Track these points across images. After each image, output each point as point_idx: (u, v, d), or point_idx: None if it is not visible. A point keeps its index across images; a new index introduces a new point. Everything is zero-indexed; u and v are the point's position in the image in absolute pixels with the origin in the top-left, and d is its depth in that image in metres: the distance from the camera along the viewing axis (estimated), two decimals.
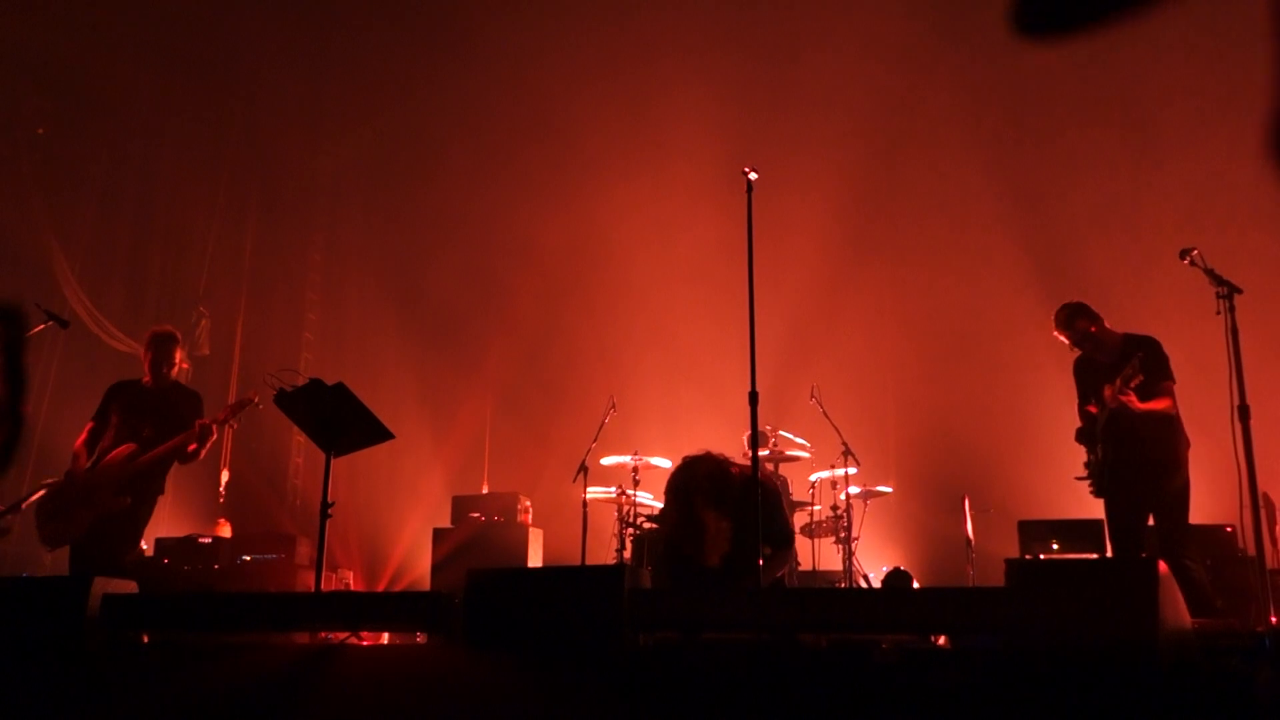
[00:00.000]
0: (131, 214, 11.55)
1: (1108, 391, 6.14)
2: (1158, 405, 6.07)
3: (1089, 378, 6.47)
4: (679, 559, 5.53)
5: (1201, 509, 6.32)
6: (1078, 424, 6.56)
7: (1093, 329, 6.34)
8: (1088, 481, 6.42)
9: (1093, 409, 6.39)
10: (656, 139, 10.96)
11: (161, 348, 6.67)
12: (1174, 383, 6.16)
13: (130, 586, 4.59)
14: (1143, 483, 6.15)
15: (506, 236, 12.05)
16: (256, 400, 6.59)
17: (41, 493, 6.45)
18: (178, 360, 6.78)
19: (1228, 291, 5.69)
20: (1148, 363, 6.05)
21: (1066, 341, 6.45)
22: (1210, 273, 5.79)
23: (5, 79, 10.10)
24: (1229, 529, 7.30)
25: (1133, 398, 6.03)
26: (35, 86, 10.51)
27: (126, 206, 11.51)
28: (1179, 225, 8.93)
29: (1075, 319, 6.36)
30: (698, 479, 5.49)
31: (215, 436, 6.51)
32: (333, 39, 11.86)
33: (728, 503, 5.39)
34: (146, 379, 6.64)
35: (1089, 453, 6.40)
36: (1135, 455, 6.15)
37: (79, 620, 4.23)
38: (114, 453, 6.34)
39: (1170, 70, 9.82)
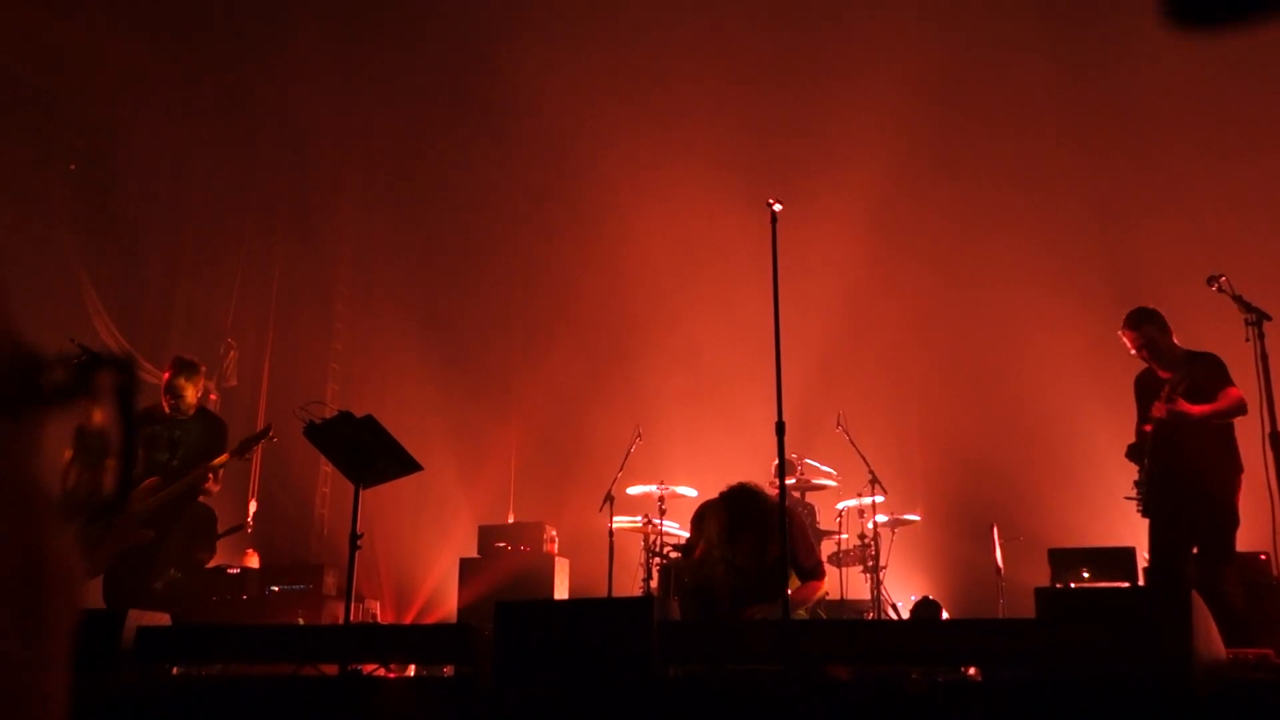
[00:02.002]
0: (160, 247, 11.67)
1: (1156, 405, 6.09)
2: (1216, 406, 5.99)
3: (1147, 392, 6.39)
4: (698, 586, 5.58)
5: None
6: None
7: (1157, 337, 6.26)
8: (1136, 501, 6.33)
9: (1148, 427, 6.32)
10: (682, 167, 11.01)
11: (178, 378, 6.68)
12: (1236, 389, 6.03)
13: (163, 619, 4.63)
14: (1187, 502, 6.06)
15: (531, 268, 12.11)
16: (273, 437, 6.68)
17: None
18: (196, 391, 6.77)
19: (1257, 318, 5.65)
20: (1202, 372, 6.02)
21: (1128, 344, 6.36)
22: (1238, 299, 5.76)
23: (37, 116, 10.27)
24: (1262, 556, 7.20)
25: (1181, 403, 5.98)
26: (66, 123, 10.67)
27: (155, 239, 11.63)
28: (1206, 250, 8.87)
29: (1144, 322, 6.27)
30: (715, 507, 5.62)
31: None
32: (363, 74, 12.00)
33: (748, 529, 5.46)
34: (165, 407, 6.68)
35: (1139, 470, 6.32)
36: (1182, 472, 6.07)
37: (114, 652, 4.27)
38: (139, 487, 6.40)
39: (1196, 92, 9.80)
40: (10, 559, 0.89)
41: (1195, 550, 6.13)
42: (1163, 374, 6.28)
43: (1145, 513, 6.26)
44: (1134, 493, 6.33)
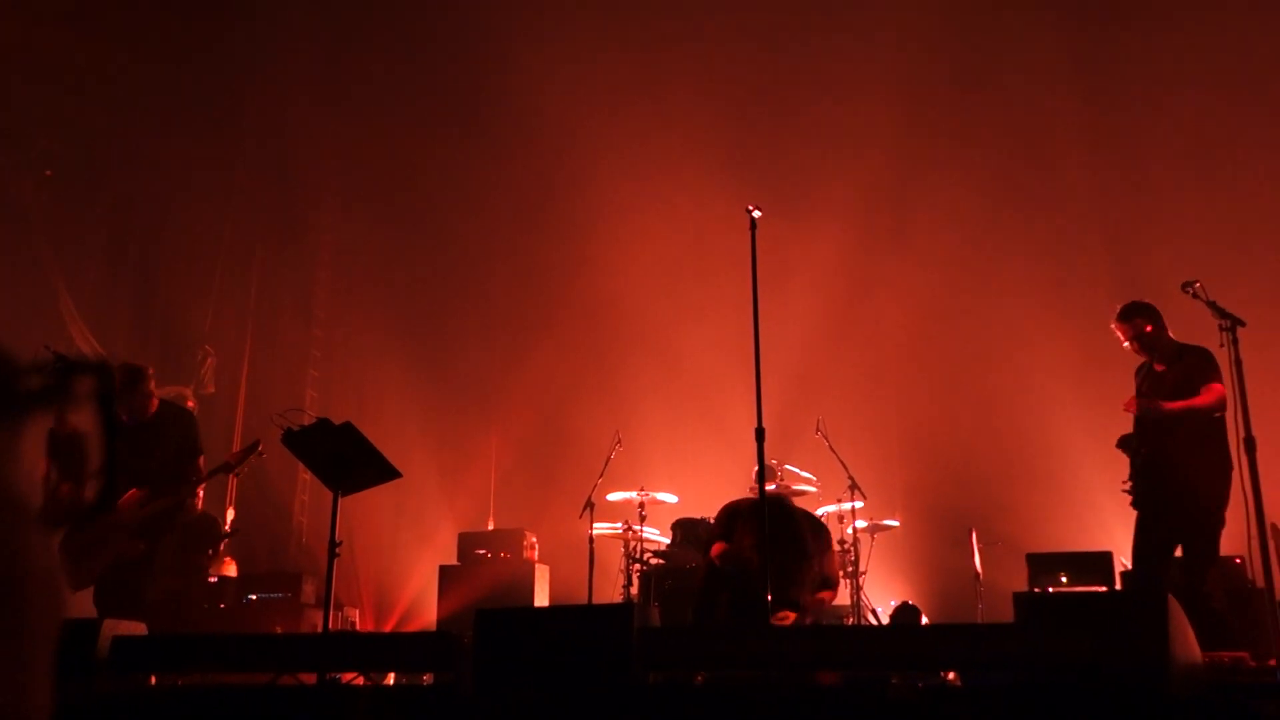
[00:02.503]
0: (137, 253, 11.60)
1: (1129, 400, 6.12)
2: (1192, 402, 5.97)
3: (1143, 384, 6.35)
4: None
5: None
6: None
7: (1149, 329, 6.21)
8: (1130, 493, 6.29)
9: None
10: (664, 175, 11.02)
11: (127, 387, 6.56)
12: (1218, 385, 5.95)
13: (139, 628, 4.59)
14: (1174, 500, 6.02)
15: (512, 274, 12.10)
16: (262, 451, 6.63)
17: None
18: (149, 392, 6.68)
19: (1231, 324, 5.68)
20: (1192, 366, 6.03)
21: (1120, 336, 6.33)
22: (1213, 305, 5.78)
23: (13, 122, 10.20)
24: (1238, 560, 7.26)
25: (1156, 401, 6.00)
26: (42, 130, 10.60)
27: (132, 246, 11.57)
28: (1179, 255, 8.94)
29: (1135, 315, 6.25)
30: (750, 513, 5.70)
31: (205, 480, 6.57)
32: (347, 82, 11.97)
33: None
34: (123, 416, 6.59)
35: (1130, 461, 6.26)
36: (1169, 468, 6.04)
37: (90, 662, 4.23)
38: (125, 498, 6.35)
39: (1176, 99, 9.88)
40: None
41: (1179, 549, 6.13)
42: (1158, 367, 6.29)
43: (1136, 505, 6.24)
44: (1128, 485, 6.29)
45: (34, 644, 0.91)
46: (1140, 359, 6.46)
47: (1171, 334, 6.31)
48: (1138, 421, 6.25)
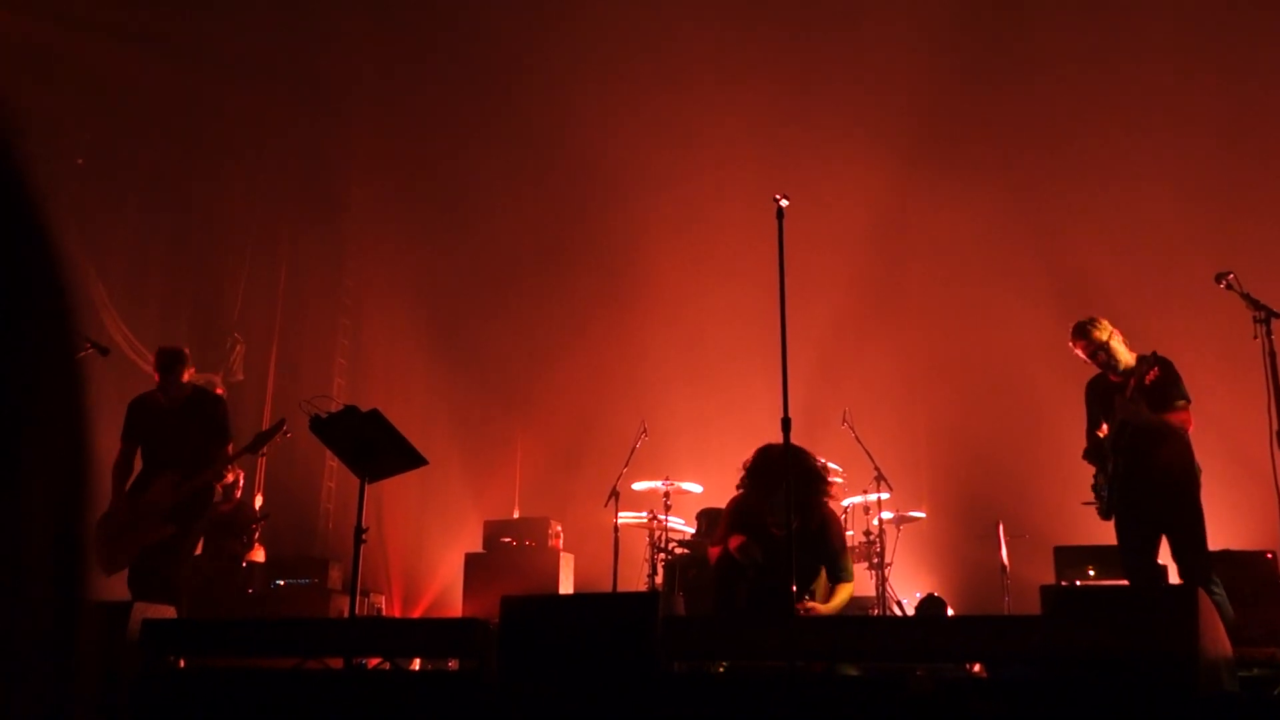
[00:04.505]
0: (168, 241, 11.68)
1: (1118, 400, 6.09)
2: (1169, 416, 5.98)
3: (1099, 397, 6.36)
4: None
5: (1240, 535, 6.24)
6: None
7: (1106, 341, 6.24)
8: (1095, 505, 6.32)
9: (1102, 432, 6.28)
10: (690, 165, 11.01)
11: (169, 369, 6.70)
12: (1189, 403, 6.04)
13: (169, 611, 4.63)
14: (1153, 500, 6.02)
15: (537, 262, 12.11)
16: (288, 432, 6.68)
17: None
18: (185, 378, 6.80)
19: (1265, 315, 5.63)
20: (1158, 375, 6.00)
21: (1081, 354, 6.35)
22: (1247, 297, 5.73)
23: (45, 112, 10.28)
24: (1269, 555, 7.20)
25: (1143, 404, 5.98)
26: (74, 119, 10.69)
27: (163, 234, 11.64)
28: (1215, 246, 8.84)
29: (1090, 330, 6.26)
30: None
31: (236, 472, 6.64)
32: (376, 66, 12.01)
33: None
34: (160, 397, 6.72)
35: (1098, 472, 6.28)
36: (1145, 471, 6.03)
37: (119, 645, 4.28)
38: (157, 482, 6.43)
39: (1204, 88, 9.77)
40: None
41: (1171, 552, 6.10)
42: (1114, 378, 6.26)
43: (1107, 515, 6.23)
44: (1091, 497, 6.32)
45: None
46: (1091, 374, 6.45)
47: (1126, 345, 6.28)
48: (1115, 430, 6.21)
